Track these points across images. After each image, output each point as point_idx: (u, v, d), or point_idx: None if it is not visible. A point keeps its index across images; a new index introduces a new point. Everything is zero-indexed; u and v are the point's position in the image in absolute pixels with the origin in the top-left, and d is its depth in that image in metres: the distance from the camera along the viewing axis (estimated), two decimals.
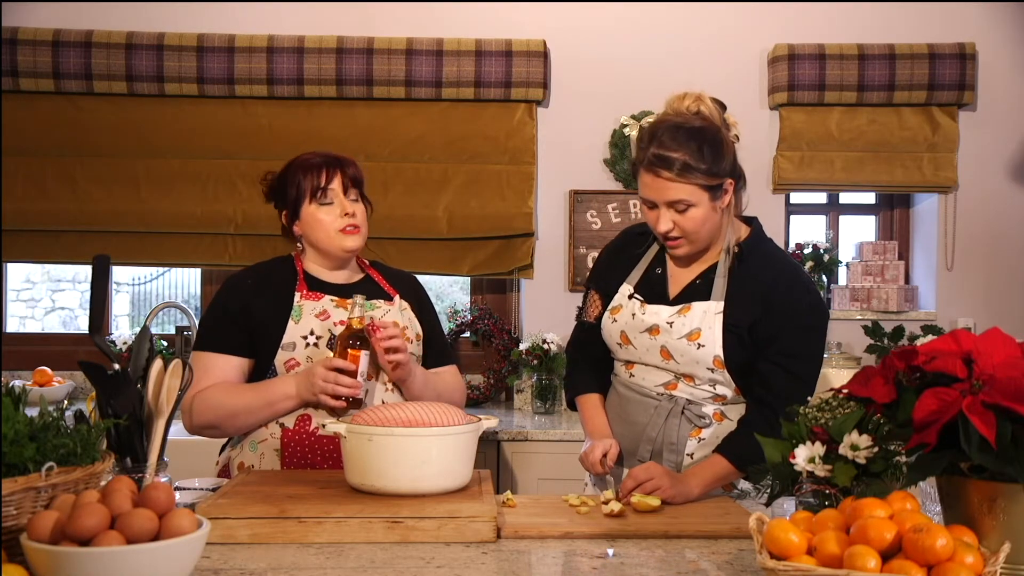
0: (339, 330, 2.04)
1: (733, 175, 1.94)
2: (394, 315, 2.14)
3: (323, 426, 1.74)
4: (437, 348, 2.25)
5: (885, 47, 3.62)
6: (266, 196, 2.20)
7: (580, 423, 2.19)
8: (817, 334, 2.00)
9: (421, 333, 2.20)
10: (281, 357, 2.05)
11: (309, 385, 1.95)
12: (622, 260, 2.13)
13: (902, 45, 3.62)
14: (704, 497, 1.87)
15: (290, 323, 2.05)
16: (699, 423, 2.01)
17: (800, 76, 3.61)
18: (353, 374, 1.94)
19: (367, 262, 2.27)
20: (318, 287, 2.13)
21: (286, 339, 2.04)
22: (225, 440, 2.19)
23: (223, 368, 2.05)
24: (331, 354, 2.01)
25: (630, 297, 2.06)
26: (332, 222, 2.09)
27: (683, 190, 1.88)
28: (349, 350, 1.95)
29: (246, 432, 2.06)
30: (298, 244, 2.16)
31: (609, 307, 2.09)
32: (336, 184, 2.10)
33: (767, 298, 1.95)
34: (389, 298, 2.19)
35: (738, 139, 1.99)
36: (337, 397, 1.93)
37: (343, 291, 2.14)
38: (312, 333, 2.05)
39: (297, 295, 2.09)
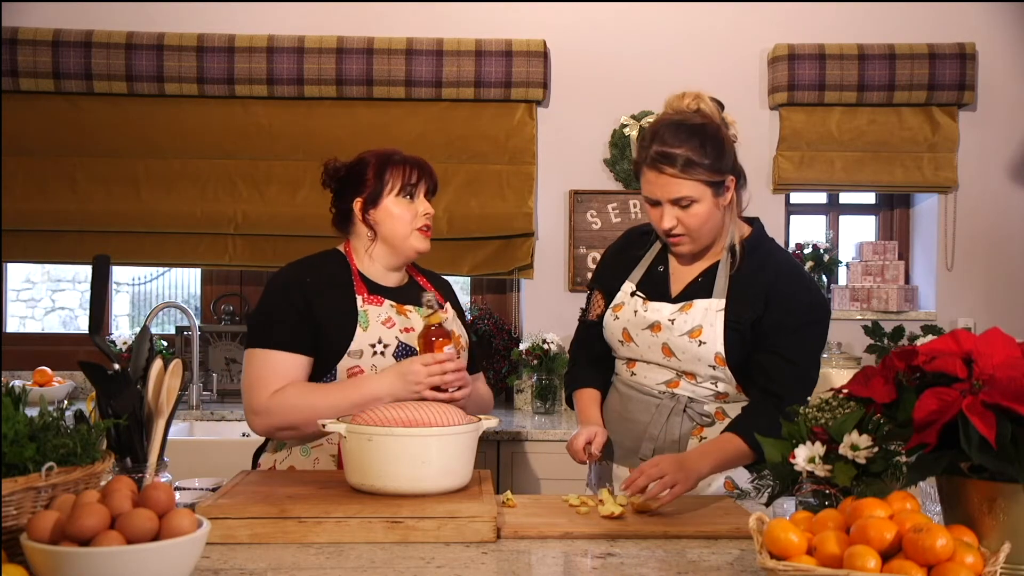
0: (405, 337, 2.04)
1: (735, 172, 1.96)
2: (449, 323, 2.12)
3: (323, 426, 1.74)
4: (469, 356, 2.21)
5: (885, 47, 3.62)
6: (326, 182, 2.15)
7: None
8: (818, 329, 2.01)
9: (467, 341, 2.19)
10: (346, 363, 2.01)
11: (409, 384, 1.92)
12: (625, 260, 2.14)
13: (902, 45, 3.62)
14: (703, 497, 1.87)
15: (358, 330, 2.02)
16: (701, 421, 2.02)
17: (800, 76, 3.61)
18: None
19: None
20: (376, 291, 2.09)
21: (354, 346, 2.01)
22: (262, 442, 2.16)
23: (292, 367, 2.00)
24: (395, 363, 2.01)
25: (632, 295, 2.07)
26: (411, 219, 2.09)
27: (686, 186, 1.90)
28: (438, 348, 1.95)
29: (320, 434, 2.01)
30: (368, 233, 2.10)
31: (611, 305, 2.10)
32: (423, 186, 2.12)
33: (768, 295, 1.96)
34: (440, 305, 2.16)
35: (736, 138, 2.00)
36: (443, 389, 1.92)
37: (399, 295, 2.11)
38: (380, 342, 2.02)
39: (359, 298, 2.05)
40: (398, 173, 2.09)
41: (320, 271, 2.09)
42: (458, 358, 2.00)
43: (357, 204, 2.10)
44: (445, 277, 2.38)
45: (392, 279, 2.15)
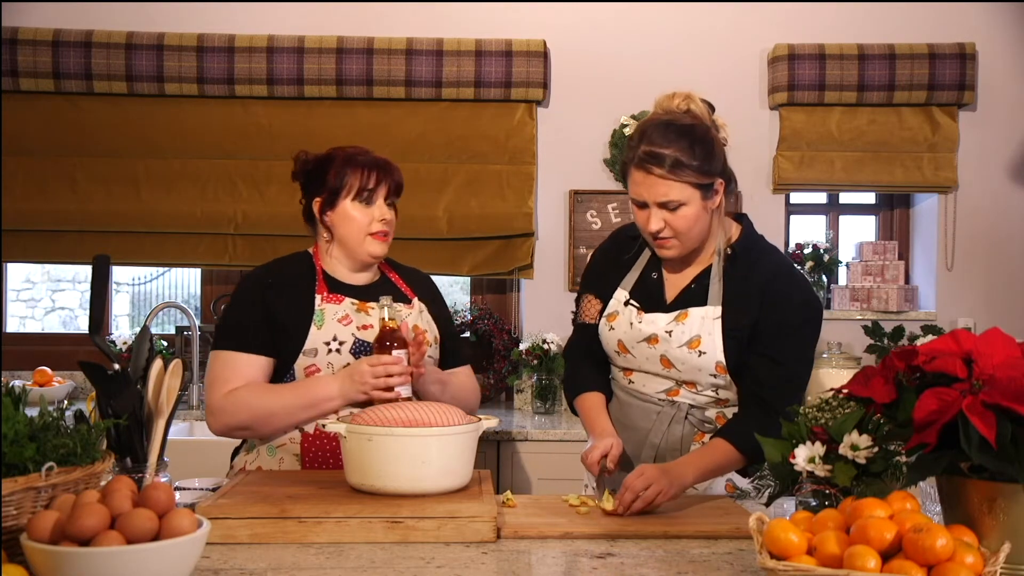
0: (362, 334, 2.04)
1: (724, 175, 1.92)
2: (414, 318, 2.13)
3: (323, 426, 1.74)
4: (451, 349, 2.22)
5: (885, 47, 3.62)
6: (295, 174, 2.15)
7: (582, 425, 2.11)
8: (811, 329, 1.98)
9: (439, 335, 2.19)
10: (302, 362, 2.02)
11: (356, 384, 1.94)
12: (615, 264, 2.09)
13: (902, 45, 3.62)
14: (703, 497, 1.87)
15: (312, 328, 2.02)
16: (702, 428, 2.00)
17: (800, 76, 3.61)
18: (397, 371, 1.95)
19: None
20: (338, 289, 2.10)
21: (308, 345, 2.02)
22: (238, 444, 2.17)
23: (251, 368, 2.02)
24: (354, 361, 2.01)
25: (626, 304, 2.02)
26: (366, 224, 2.07)
27: (674, 188, 1.85)
28: (389, 352, 1.95)
29: (277, 434, 2.03)
30: (325, 234, 2.11)
31: (605, 313, 2.05)
32: (382, 190, 2.08)
33: (763, 296, 1.93)
34: (408, 300, 2.17)
35: (727, 141, 1.96)
36: (389, 390, 1.92)
37: (363, 293, 2.11)
38: (335, 339, 2.03)
39: (318, 297, 2.06)
40: (356, 176, 2.07)
41: (285, 272, 2.11)
42: (417, 357, 1.99)
43: (316, 204, 2.11)
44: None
45: (361, 278, 2.15)
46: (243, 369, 2.02)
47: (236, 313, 2.08)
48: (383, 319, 1.97)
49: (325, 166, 2.09)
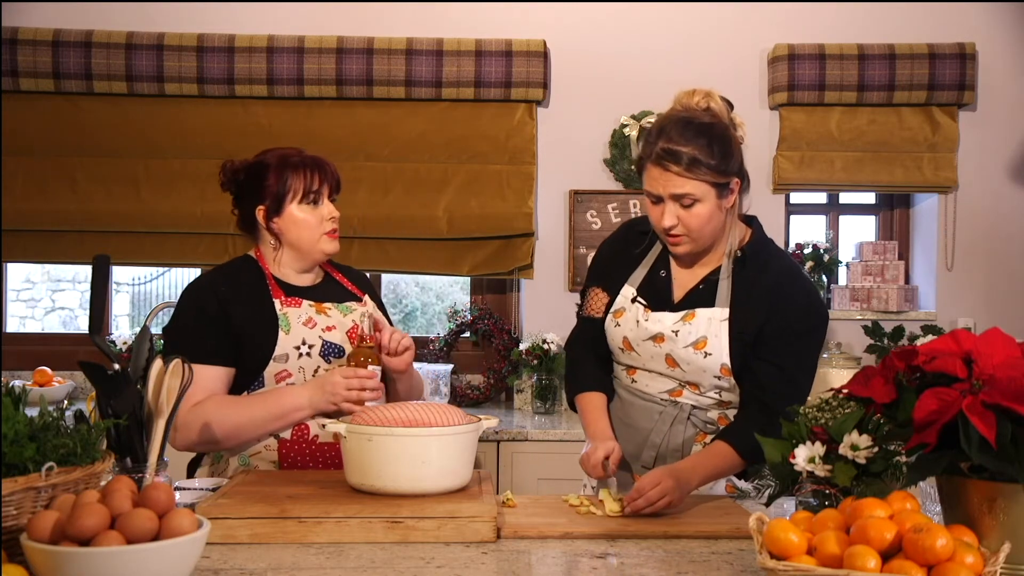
0: (328, 336, 2.03)
1: (740, 175, 1.91)
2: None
3: (323, 426, 1.74)
4: None
5: (885, 47, 3.62)
6: (225, 185, 2.12)
7: (581, 423, 2.11)
8: (815, 337, 1.97)
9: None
10: (272, 369, 2.00)
11: (327, 395, 1.92)
12: (623, 257, 2.08)
13: (902, 45, 3.63)
14: (703, 497, 1.87)
15: (280, 334, 2.00)
16: (704, 428, 1.99)
17: (800, 76, 3.61)
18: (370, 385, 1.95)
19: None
20: (293, 292, 2.08)
21: (278, 351, 1.99)
22: (193, 456, 2.13)
23: (211, 379, 1.97)
24: (324, 363, 2.01)
25: (633, 300, 2.01)
26: (317, 224, 2.05)
27: (690, 185, 1.84)
28: (364, 366, 1.95)
29: (245, 447, 2.01)
30: (272, 240, 2.08)
31: (612, 310, 2.04)
32: (325, 189, 2.07)
33: (770, 300, 1.93)
34: (357, 299, 2.16)
35: (744, 139, 1.96)
36: (360, 403, 1.90)
37: (315, 294, 2.10)
38: (304, 343, 2.01)
39: (276, 302, 2.03)
40: (299, 179, 2.05)
41: (234, 279, 2.07)
42: (410, 345, 2.03)
43: (260, 212, 2.07)
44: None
45: (306, 279, 2.13)
46: (203, 381, 1.95)
47: (188, 324, 2.03)
48: (360, 334, 1.98)
49: (260, 173, 2.06)
